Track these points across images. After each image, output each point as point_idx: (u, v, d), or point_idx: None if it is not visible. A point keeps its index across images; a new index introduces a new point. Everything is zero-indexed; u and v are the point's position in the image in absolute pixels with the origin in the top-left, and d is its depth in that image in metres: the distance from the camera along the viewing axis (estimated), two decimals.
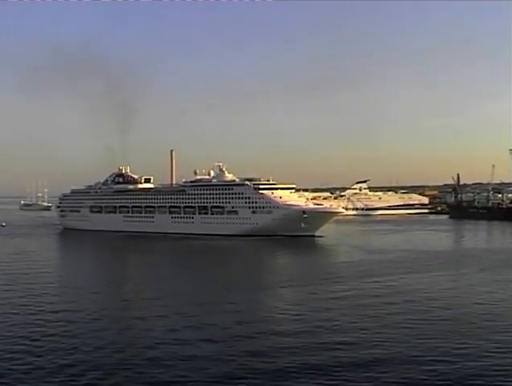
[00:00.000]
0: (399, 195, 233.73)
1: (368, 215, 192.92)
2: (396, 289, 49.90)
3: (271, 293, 49.57)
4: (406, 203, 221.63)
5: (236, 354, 29.87)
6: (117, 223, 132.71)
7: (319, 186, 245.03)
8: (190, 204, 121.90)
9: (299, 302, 44.71)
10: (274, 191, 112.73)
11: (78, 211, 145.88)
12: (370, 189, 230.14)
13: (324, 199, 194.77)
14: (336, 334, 33.94)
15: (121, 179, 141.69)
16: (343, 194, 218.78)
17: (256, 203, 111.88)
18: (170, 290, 50.71)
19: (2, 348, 31.45)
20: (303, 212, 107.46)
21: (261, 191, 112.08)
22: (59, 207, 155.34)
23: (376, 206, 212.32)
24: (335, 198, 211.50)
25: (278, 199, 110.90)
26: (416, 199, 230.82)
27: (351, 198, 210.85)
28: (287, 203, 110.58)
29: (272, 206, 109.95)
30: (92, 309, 42.12)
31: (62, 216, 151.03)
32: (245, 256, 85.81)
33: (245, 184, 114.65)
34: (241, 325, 36.46)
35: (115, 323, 37.91)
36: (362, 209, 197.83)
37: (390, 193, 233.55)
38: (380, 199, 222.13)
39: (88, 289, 51.80)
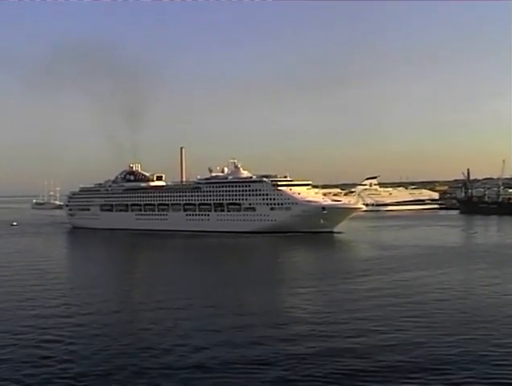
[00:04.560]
0: (409, 190, 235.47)
1: (378, 210, 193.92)
2: (413, 283, 52.02)
3: (294, 291, 50.35)
4: (417, 198, 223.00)
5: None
6: (129, 222, 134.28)
7: (329, 183, 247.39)
8: (205, 201, 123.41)
9: (325, 299, 45.88)
10: (292, 188, 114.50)
11: (88, 210, 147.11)
12: (380, 185, 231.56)
13: (335, 195, 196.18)
14: (358, 331, 35.43)
15: (132, 177, 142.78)
16: (353, 190, 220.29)
17: (274, 199, 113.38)
18: (191, 290, 51.62)
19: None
20: (323, 208, 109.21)
21: (279, 188, 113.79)
22: (67, 205, 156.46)
23: (386, 202, 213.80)
24: (345, 194, 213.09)
25: (296, 196, 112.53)
26: (426, 194, 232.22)
27: (361, 194, 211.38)
28: (306, 199, 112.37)
29: (291, 202, 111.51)
30: (113, 311, 42.65)
31: (71, 215, 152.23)
32: (266, 253, 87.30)
33: (263, 181, 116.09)
34: (268, 324, 37.33)
35: (145, 323, 38.77)
36: (372, 205, 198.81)
37: (400, 189, 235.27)
38: (390, 194, 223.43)
39: (103, 290, 52.13)
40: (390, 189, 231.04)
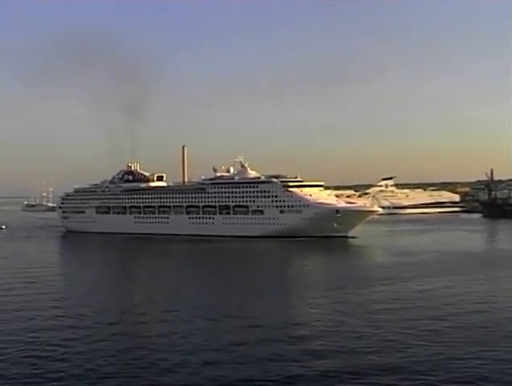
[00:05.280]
0: (428, 192, 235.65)
1: (394, 214, 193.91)
2: (436, 293, 51.85)
3: (308, 301, 49.90)
4: (436, 201, 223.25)
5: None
6: (128, 225, 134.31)
7: (341, 184, 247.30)
8: (210, 203, 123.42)
9: (343, 310, 45.32)
10: (303, 189, 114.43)
11: (82, 212, 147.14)
12: (397, 186, 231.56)
13: (348, 197, 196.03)
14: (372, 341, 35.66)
15: (130, 177, 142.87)
16: (367, 191, 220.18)
17: (284, 201, 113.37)
18: (196, 299, 51.22)
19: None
20: (337, 211, 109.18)
21: (289, 189, 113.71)
22: (61, 207, 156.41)
23: (403, 204, 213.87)
24: (359, 196, 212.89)
25: (308, 197, 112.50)
26: (447, 196, 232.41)
27: (376, 196, 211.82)
28: (319, 201, 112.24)
29: (302, 204, 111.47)
30: (113, 323, 42.14)
31: (64, 218, 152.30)
32: (276, 259, 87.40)
33: (272, 181, 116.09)
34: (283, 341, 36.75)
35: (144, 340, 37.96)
36: (388, 208, 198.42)
37: (418, 190, 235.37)
38: (407, 196, 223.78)
39: (100, 300, 51.49)
40: (407, 191, 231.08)
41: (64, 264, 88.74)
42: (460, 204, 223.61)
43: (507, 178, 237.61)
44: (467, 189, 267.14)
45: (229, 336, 37.43)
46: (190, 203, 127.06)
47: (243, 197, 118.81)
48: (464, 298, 49.13)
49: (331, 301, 49.37)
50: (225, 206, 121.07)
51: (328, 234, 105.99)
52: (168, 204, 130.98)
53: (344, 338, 36.38)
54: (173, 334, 38.19)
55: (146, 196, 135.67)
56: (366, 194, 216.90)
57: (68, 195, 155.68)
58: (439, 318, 41.50)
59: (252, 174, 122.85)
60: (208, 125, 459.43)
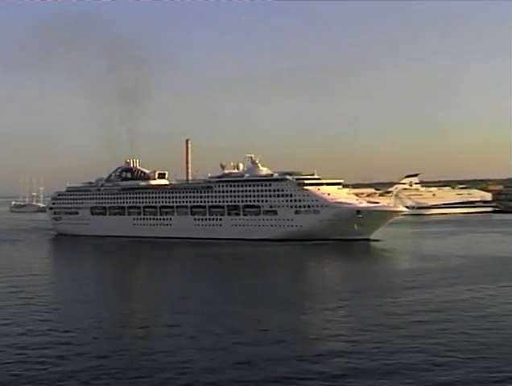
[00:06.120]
0: (457, 190, 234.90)
1: (420, 214, 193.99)
2: (469, 302, 51.53)
3: (327, 314, 49.07)
4: (466, 200, 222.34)
5: None
6: (126, 227, 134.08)
7: (361, 182, 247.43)
8: (217, 203, 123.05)
9: (366, 323, 44.62)
10: (321, 187, 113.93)
11: (76, 213, 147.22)
12: (422, 184, 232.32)
13: (368, 196, 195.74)
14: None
15: (129, 175, 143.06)
16: (390, 190, 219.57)
17: (300, 201, 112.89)
18: (202, 310, 50.66)
19: None
20: (358, 212, 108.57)
21: (305, 187, 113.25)
22: (52, 208, 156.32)
23: (429, 204, 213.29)
24: (380, 195, 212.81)
25: (326, 197, 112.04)
26: (477, 195, 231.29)
27: (399, 194, 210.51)
28: (338, 200, 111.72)
29: (320, 205, 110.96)
30: (111, 337, 42.00)
31: (56, 219, 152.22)
32: (290, 265, 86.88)
33: (286, 179, 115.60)
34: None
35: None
36: (413, 208, 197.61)
37: (445, 188, 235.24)
38: (434, 195, 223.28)
39: (96, 312, 50.94)
40: (433, 189, 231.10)
41: (54, 271, 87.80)
42: (493, 204, 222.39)
43: None
44: (500, 187, 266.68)
45: (241, 353, 36.83)
46: (195, 203, 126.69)
47: (254, 196, 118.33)
48: (507, 308, 48.69)
49: (354, 313, 48.77)
50: (234, 206, 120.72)
51: (348, 237, 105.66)
52: (171, 204, 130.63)
53: (377, 354, 35.68)
54: (178, 351, 37.46)
55: (147, 196, 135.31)
56: (388, 192, 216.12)
57: (59, 195, 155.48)
58: (479, 329, 41.21)
59: (264, 170, 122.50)
60: (215, 119, 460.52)
